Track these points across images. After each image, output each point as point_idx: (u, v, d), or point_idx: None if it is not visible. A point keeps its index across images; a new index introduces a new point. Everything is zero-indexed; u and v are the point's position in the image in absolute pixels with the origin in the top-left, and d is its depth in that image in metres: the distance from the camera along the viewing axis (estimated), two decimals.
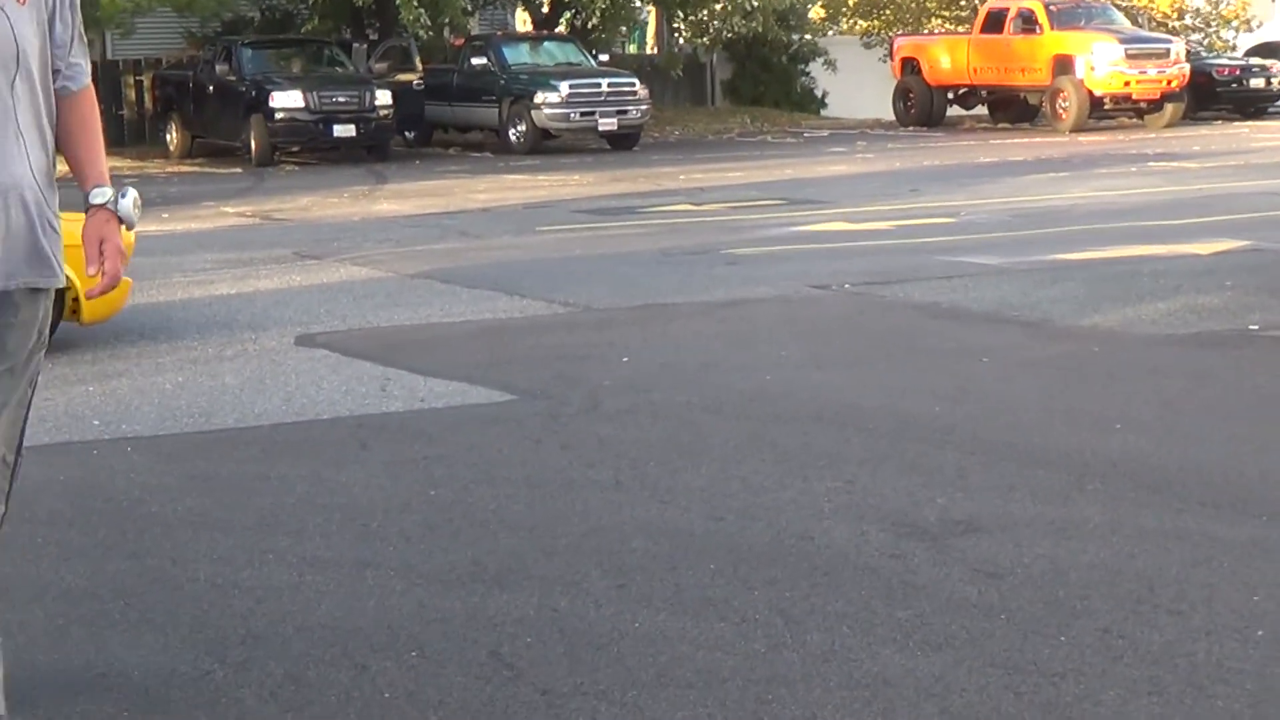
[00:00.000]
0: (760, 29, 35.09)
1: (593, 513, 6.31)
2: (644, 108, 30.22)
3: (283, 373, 9.44)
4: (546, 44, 32.78)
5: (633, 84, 30.02)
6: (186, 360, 9.96)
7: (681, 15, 36.73)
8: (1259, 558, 5.60)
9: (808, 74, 40.52)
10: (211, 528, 6.18)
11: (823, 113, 40.08)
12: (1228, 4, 41.16)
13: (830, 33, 41.93)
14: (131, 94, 33.35)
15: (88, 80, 4.28)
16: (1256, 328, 10.21)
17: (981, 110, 37.19)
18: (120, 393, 8.94)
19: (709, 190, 21.44)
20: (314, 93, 27.89)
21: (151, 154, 30.53)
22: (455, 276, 13.39)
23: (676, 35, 39.36)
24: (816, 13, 42.42)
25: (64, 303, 10.32)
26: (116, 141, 32.65)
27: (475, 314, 11.56)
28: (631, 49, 41.82)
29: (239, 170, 27.24)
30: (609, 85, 29.77)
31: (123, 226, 4.21)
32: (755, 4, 33.21)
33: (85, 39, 4.32)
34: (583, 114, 29.43)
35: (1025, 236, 15.42)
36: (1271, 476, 6.66)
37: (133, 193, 4.22)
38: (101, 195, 4.18)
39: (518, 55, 31.38)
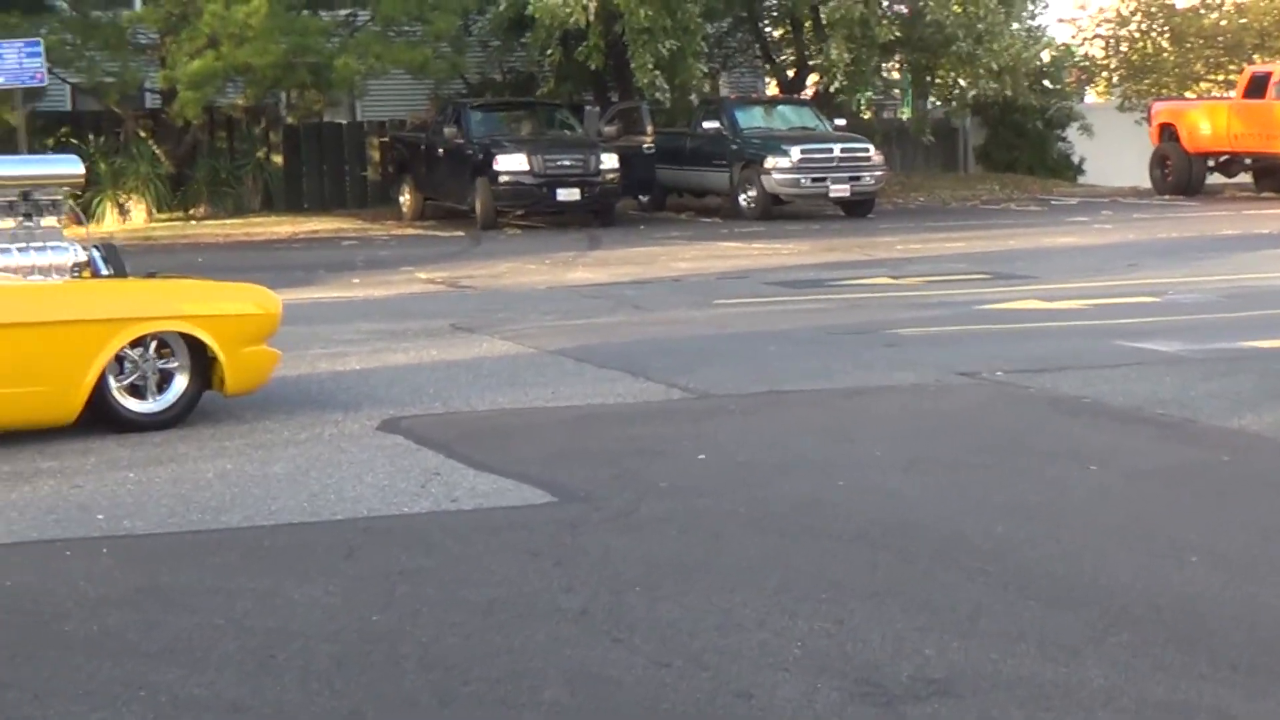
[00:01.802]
0: (1009, 92, 33.75)
1: (529, 650, 5.58)
2: (878, 174, 29.23)
3: (336, 463, 8.87)
4: (781, 108, 31.96)
5: (867, 150, 29.08)
6: (254, 444, 9.46)
7: (929, 79, 35.68)
8: None
9: (1064, 139, 39.09)
10: (108, 654, 5.59)
11: (1080, 179, 38.62)
12: None
13: (1087, 98, 40.48)
14: (376, 155, 33.43)
15: None
16: None
17: (1246, 179, 35.41)
18: (154, 482, 8.42)
19: (916, 261, 20.50)
20: (539, 155, 27.55)
21: (385, 216, 30.48)
22: (592, 354, 12.76)
23: (928, 99, 38.27)
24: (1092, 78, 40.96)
25: (208, 373, 10.06)
26: (357, 203, 32.89)
27: (585, 398, 10.90)
28: (904, 113, 40.73)
29: (461, 233, 26.98)
30: (842, 150, 28.86)
31: None
32: (1000, 65, 31.87)
33: None
34: (814, 180, 28.57)
35: (1224, 320, 14.27)
36: None
37: None
38: None
39: (750, 119, 30.63)
